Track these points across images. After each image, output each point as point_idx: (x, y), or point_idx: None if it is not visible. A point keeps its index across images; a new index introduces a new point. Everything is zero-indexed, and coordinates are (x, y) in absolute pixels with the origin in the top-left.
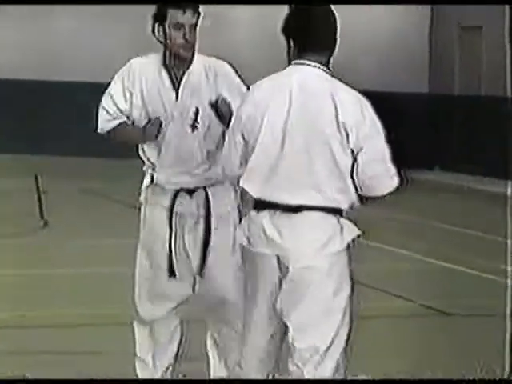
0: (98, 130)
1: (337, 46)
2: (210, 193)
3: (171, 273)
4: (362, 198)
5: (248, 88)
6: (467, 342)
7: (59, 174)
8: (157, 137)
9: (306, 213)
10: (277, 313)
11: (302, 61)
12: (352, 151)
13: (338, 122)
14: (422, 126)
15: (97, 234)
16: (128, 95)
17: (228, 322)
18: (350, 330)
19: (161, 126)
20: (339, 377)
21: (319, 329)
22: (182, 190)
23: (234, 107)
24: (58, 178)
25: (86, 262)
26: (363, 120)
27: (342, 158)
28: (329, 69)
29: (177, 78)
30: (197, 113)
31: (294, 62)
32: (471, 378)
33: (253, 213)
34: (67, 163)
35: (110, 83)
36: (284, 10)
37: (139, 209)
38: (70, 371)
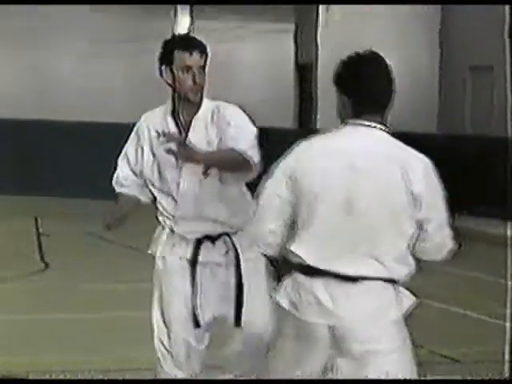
0: (119, 190)
1: (390, 103)
2: (234, 239)
3: (196, 323)
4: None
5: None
6: None
7: (65, 216)
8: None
9: (365, 282)
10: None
11: (360, 121)
12: (417, 220)
13: (408, 192)
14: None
15: (100, 277)
16: (140, 153)
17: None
18: None
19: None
20: None
21: None
22: (205, 238)
23: (238, 145)
24: (63, 220)
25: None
26: (431, 188)
27: (408, 228)
28: (388, 128)
29: (184, 125)
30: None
31: (350, 121)
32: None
33: (301, 278)
34: (72, 205)
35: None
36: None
37: (153, 257)
38: None
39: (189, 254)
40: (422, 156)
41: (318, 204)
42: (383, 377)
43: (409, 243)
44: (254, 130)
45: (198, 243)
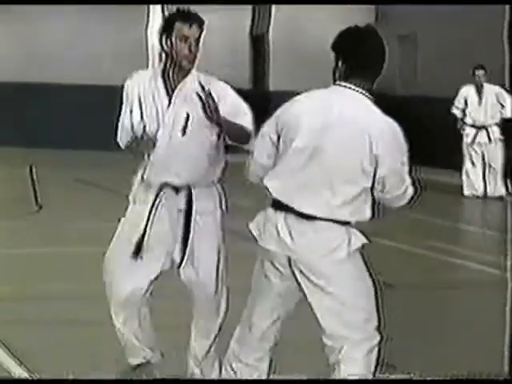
0: (122, 147)
1: (380, 72)
2: (193, 191)
3: (136, 253)
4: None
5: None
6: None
7: (56, 165)
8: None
9: (317, 222)
10: (282, 303)
11: (345, 83)
12: (374, 175)
13: (370, 152)
14: None
15: (85, 217)
16: (131, 111)
17: (210, 310)
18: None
19: (154, 143)
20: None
21: (346, 318)
22: (167, 186)
23: (226, 112)
24: (55, 168)
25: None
26: (393, 149)
27: (364, 182)
28: (371, 94)
29: (172, 87)
30: (187, 118)
31: (338, 82)
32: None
33: (270, 211)
34: (62, 155)
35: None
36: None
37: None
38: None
39: (152, 198)
40: (390, 120)
41: (291, 147)
42: (337, 303)
43: (365, 192)
44: (246, 106)
45: (160, 190)
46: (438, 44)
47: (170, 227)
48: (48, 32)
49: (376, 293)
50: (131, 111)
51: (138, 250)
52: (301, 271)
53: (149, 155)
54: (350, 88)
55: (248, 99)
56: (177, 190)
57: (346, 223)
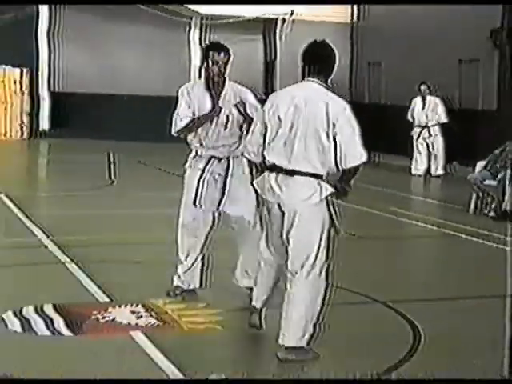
0: (172, 133)
1: (334, 71)
2: (231, 161)
3: (194, 203)
4: (339, 168)
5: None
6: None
7: (125, 152)
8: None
9: (298, 176)
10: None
11: (309, 78)
12: (334, 138)
13: (327, 120)
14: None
15: (144, 188)
16: (188, 104)
17: (247, 236)
18: (328, 254)
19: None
20: (322, 283)
21: (305, 248)
22: (213, 157)
23: (249, 111)
24: (124, 154)
25: (137, 206)
26: (344, 118)
27: (326, 142)
28: (327, 84)
29: (213, 96)
30: (227, 118)
31: (304, 79)
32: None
33: (267, 173)
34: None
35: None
36: None
37: (178, 175)
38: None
39: (202, 166)
40: (340, 99)
41: (278, 127)
42: (303, 235)
43: (329, 152)
44: (259, 105)
45: (209, 160)
46: (399, 68)
47: (215, 184)
48: (121, 57)
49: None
50: (184, 105)
51: (195, 200)
52: (284, 211)
53: (201, 137)
54: (312, 81)
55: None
56: (220, 159)
57: (319, 176)
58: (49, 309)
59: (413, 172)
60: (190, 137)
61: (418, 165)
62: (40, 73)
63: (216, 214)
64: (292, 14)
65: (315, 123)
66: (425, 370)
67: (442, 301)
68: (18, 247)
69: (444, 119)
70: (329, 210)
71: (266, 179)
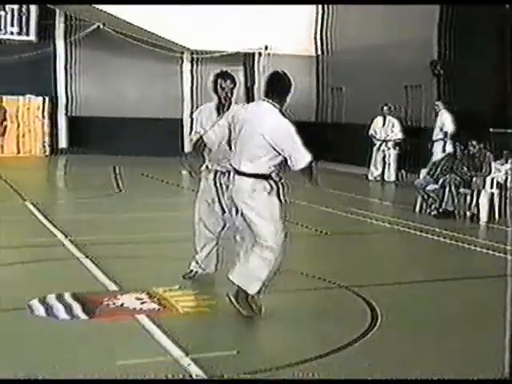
0: (186, 151)
1: (288, 95)
2: (231, 174)
3: (223, 210)
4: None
5: None
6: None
7: (129, 165)
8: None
9: (245, 176)
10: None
11: (263, 98)
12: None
13: (264, 132)
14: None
15: (147, 196)
16: (200, 123)
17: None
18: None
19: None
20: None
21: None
22: (218, 171)
23: None
24: (128, 167)
25: (142, 210)
26: (282, 133)
27: (269, 149)
28: (278, 103)
29: (221, 113)
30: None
31: (262, 98)
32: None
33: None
34: (134, 160)
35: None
36: None
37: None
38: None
39: (212, 177)
40: (281, 117)
41: (235, 135)
42: (256, 220)
43: (272, 156)
44: None
45: (216, 173)
46: (357, 93)
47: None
48: (126, 86)
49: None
50: (197, 121)
51: (223, 209)
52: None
53: (208, 154)
54: (266, 101)
55: None
56: (223, 173)
57: (267, 177)
58: (67, 296)
59: (369, 178)
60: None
61: (374, 172)
62: (58, 100)
63: (227, 216)
64: (266, 48)
65: (257, 132)
66: (381, 336)
67: (394, 284)
68: (41, 246)
69: (400, 136)
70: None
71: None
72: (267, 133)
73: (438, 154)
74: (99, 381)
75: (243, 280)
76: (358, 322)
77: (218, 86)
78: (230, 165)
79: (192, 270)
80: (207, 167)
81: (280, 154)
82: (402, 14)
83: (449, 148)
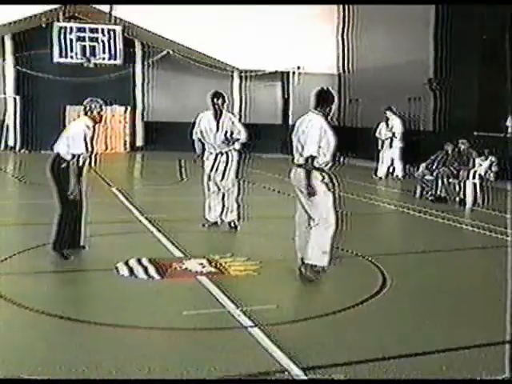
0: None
1: (332, 105)
2: (229, 153)
3: (209, 177)
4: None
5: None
6: None
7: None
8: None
9: (301, 168)
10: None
11: (313, 111)
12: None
13: (319, 133)
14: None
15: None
16: (198, 127)
17: (231, 195)
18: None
19: (202, 152)
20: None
21: (320, 213)
22: (218, 153)
23: (236, 129)
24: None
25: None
26: (311, 127)
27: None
28: (324, 112)
29: (218, 121)
30: (226, 134)
31: (311, 110)
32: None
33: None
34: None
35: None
36: None
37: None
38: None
39: (213, 157)
40: (322, 122)
41: (296, 138)
42: (315, 203)
43: (319, 153)
44: (242, 127)
45: (216, 155)
46: (370, 103)
47: (218, 168)
48: (188, 98)
49: (334, 204)
50: (199, 125)
51: (209, 176)
52: (300, 190)
53: (204, 144)
54: (314, 112)
55: (280, 127)
56: (221, 154)
57: (318, 169)
58: (145, 261)
59: (378, 174)
60: (205, 137)
61: (382, 167)
62: (136, 109)
63: (219, 181)
64: (299, 68)
65: (311, 133)
66: (389, 299)
67: (399, 254)
68: (124, 222)
69: (399, 130)
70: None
71: (292, 170)
72: (321, 132)
73: (387, 148)
74: (99, 381)
75: (315, 259)
76: (371, 284)
77: (213, 102)
78: (292, 160)
79: (208, 220)
80: (211, 153)
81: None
82: (406, 40)
83: (397, 144)
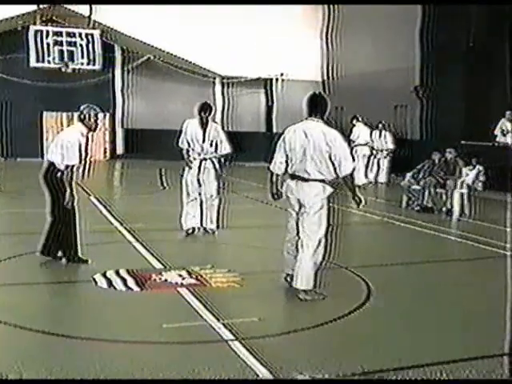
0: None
1: (327, 112)
2: (214, 160)
3: (198, 182)
4: (338, 176)
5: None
6: None
7: (171, 169)
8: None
9: (311, 181)
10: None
11: (310, 118)
12: (330, 156)
13: (326, 143)
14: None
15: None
16: (184, 135)
17: (212, 204)
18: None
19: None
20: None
21: (314, 228)
22: (202, 159)
23: (220, 139)
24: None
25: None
26: (336, 143)
27: (328, 159)
28: (323, 120)
29: (203, 130)
30: (211, 143)
31: (307, 118)
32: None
33: (289, 181)
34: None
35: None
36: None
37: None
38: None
39: (197, 164)
40: (331, 129)
41: (294, 151)
42: (311, 218)
43: (330, 166)
44: (225, 137)
45: (201, 162)
46: (356, 111)
47: (201, 174)
48: (168, 105)
49: (328, 218)
50: (185, 134)
51: (192, 181)
52: (302, 204)
53: (193, 148)
54: (313, 120)
55: (263, 136)
56: (205, 160)
57: (322, 181)
58: (123, 272)
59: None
60: (191, 145)
61: (369, 175)
62: (116, 116)
63: (202, 187)
64: (282, 75)
65: (320, 147)
66: (374, 310)
67: (385, 266)
68: (101, 232)
69: (392, 147)
70: (328, 202)
71: (289, 184)
72: (328, 145)
73: (357, 156)
74: (100, 381)
75: (305, 283)
76: (356, 294)
77: (201, 116)
78: (296, 176)
79: (188, 228)
80: (194, 158)
81: (332, 161)
82: (391, 46)
83: (365, 151)
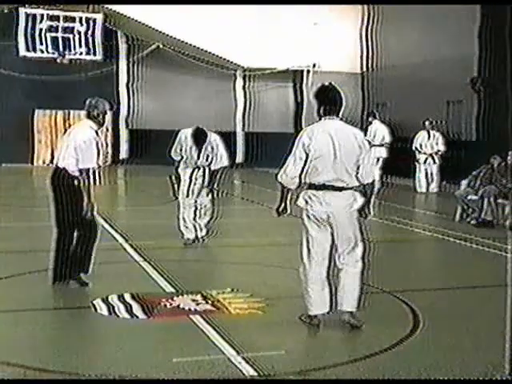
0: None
1: (343, 108)
2: (206, 169)
3: (188, 194)
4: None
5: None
6: None
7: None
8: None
9: (343, 191)
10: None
11: (330, 116)
12: (361, 159)
13: (357, 146)
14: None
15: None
16: (179, 146)
17: (206, 210)
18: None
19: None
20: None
21: (351, 244)
22: (195, 167)
23: (219, 154)
24: None
25: None
26: (365, 146)
27: (356, 163)
28: (342, 120)
29: (199, 150)
30: (207, 157)
31: (325, 117)
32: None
33: (313, 191)
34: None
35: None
36: None
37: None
38: None
39: (189, 172)
40: (359, 131)
41: (322, 159)
42: (346, 234)
43: (358, 172)
44: (223, 149)
45: (193, 170)
46: (401, 108)
47: (195, 184)
48: (181, 102)
49: (361, 232)
50: (180, 143)
51: (188, 194)
52: (333, 218)
53: (186, 161)
54: (332, 119)
55: (291, 137)
56: (198, 168)
57: (351, 188)
58: (128, 297)
59: (418, 190)
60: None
61: (421, 183)
62: (120, 115)
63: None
64: (314, 66)
65: (350, 150)
66: (422, 343)
67: (437, 290)
68: (103, 250)
69: (444, 149)
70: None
71: (314, 195)
72: (360, 148)
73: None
74: (100, 381)
75: (352, 306)
76: (401, 325)
77: (197, 138)
78: (324, 186)
79: (188, 239)
80: (187, 166)
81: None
82: (444, 32)
83: (381, 153)
